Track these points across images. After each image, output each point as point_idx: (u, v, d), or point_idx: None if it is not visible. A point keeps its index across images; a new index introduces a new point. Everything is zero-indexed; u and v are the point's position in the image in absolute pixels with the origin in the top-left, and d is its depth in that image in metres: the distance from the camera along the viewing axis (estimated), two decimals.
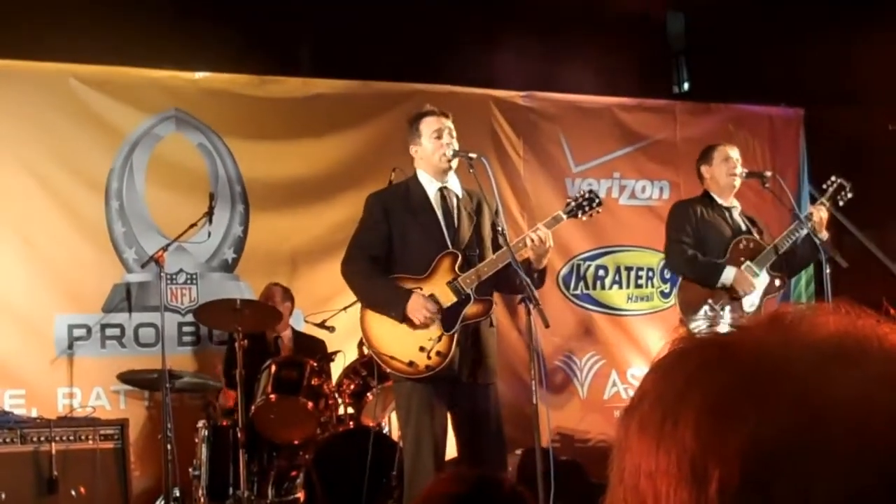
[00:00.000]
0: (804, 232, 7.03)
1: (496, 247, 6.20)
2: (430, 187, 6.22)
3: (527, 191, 9.66)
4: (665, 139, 10.25)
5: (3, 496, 6.87)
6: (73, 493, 7.18)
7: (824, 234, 7.00)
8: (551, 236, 6.08)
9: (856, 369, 0.84)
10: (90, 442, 7.35)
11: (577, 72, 9.60)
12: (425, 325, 5.99)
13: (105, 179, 8.53)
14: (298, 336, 8.45)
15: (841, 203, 7.21)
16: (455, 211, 6.24)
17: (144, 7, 8.30)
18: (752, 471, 0.80)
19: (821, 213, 7.04)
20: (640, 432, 0.87)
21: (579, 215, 6.33)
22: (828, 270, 6.78)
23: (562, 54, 9.46)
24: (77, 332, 8.34)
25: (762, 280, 7.12)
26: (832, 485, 0.79)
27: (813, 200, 8.06)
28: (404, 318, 6.02)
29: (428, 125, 6.13)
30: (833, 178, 7.28)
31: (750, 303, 7.08)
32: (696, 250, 7.20)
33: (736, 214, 7.30)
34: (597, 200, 6.35)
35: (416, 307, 5.98)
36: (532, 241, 5.97)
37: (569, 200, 6.50)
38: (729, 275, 7.04)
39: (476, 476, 2.57)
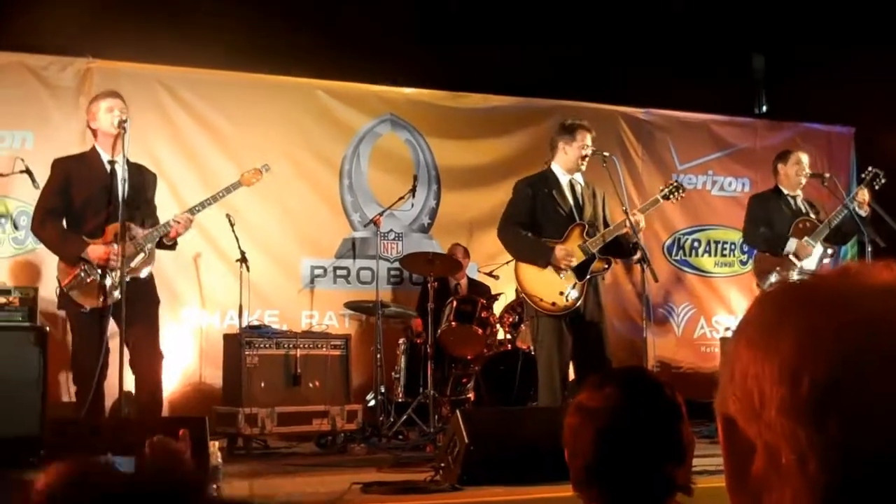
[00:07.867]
0: (848, 211, 7.21)
1: (605, 223, 6.62)
2: (563, 178, 6.62)
3: (643, 182, 10.29)
4: (747, 147, 10.79)
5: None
6: (310, 385, 7.73)
7: (865, 210, 7.25)
8: (644, 220, 6.52)
9: None
10: (323, 350, 7.87)
11: (683, 95, 10.12)
12: (567, 269, 6.34)
13: (339, 163, 9.37)
14: (472, 282, 9.14)
15: (876, 187, 7.43)
16: (581, 196, 6.61)
17: (379, 33, 8.82)
18: (836, 377, 0.87)
19: (863, 195, 7.26)
20: (747, 347, 0.94)
21: (670, 198, 6.85)
22: (869, 248, 7.20)
23: (672, 81, 9.88)
24: (317, 272, 9.13)
25: (818, 250, 7.40)
26: None
27: None
28: (548, 264, 6.38)
29: (582, 136, 6.59)
30: (870, 169, 7.56)
31: (809, 268, 7.35)
32: (766, 229, 7.53)
33: (799, 201, 7.62)
34: (681, 189, 6.85)
35: (563, 255, 6.39)
36: (630, 223, 6.35)
37: (662, 188, 6.93)
38: (791, 245, 7.39)
39: (622, 371, 2.29)
